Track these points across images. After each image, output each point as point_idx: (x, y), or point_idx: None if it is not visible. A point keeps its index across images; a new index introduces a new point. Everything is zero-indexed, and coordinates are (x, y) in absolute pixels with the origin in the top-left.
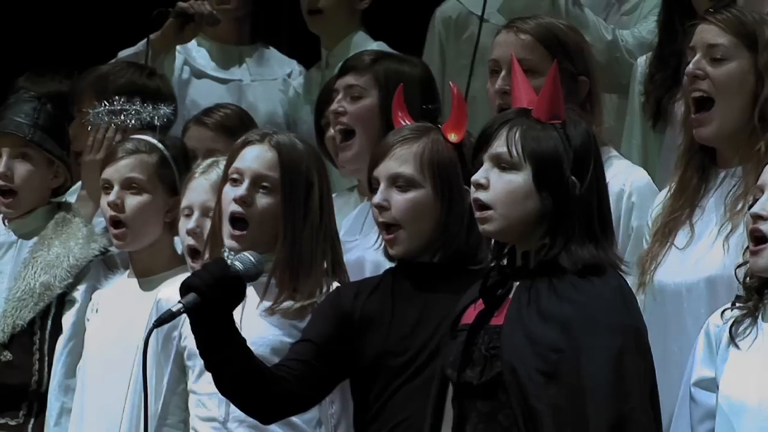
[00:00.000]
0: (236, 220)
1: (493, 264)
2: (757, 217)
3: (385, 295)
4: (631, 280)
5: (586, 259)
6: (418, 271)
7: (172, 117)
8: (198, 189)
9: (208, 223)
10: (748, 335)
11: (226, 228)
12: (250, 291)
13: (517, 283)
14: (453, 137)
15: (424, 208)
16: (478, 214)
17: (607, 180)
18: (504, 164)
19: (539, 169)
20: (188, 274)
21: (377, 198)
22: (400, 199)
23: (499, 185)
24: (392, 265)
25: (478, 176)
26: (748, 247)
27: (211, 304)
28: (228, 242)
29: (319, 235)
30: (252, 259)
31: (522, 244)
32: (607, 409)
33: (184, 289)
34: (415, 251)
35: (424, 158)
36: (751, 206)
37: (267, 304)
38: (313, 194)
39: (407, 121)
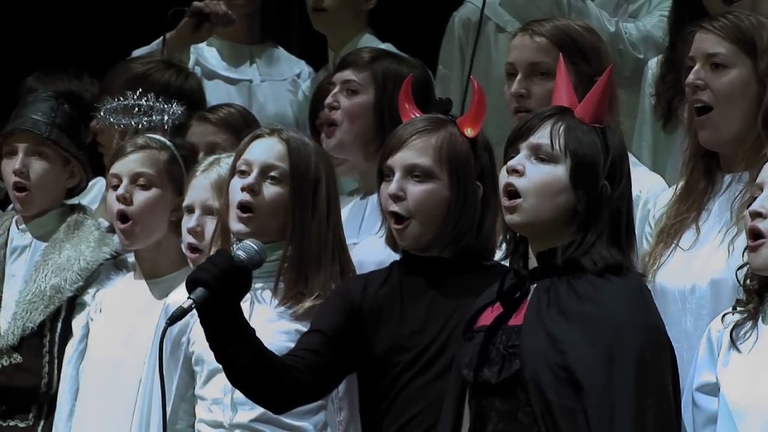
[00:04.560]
0: (244, 209)
1: (507, 265)
2: (755, 215)
3: (394, 290)
4: None
5: (609, 260)
6: (426, 266)
7: (183, 116)
8: (198, 187)
9: (208, 222)
10: (748, 338)
11: (233, 213)
12: (258, 296)
13: (534, 285)
14: (470, 132)
15: (439, 201)
16: (507, 203)
17: None
18: (543, 155)
19: (577, 166)
20: None
21: (393, 187)
22: (416, 190)
23: (535, 175)
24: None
25: (514, 162)
26: (745, 249)
27: (219, 296)
28: (236, 226)
29: (327, 233)
30: (254, 246)
31: (542, 243)
32: (633, 407)
33: (191, 283)
34: (424, 244)
35: (443, 151)
36: (749, 204)
37: (275, 305)
38: (320, 190)
39: (416, 114)
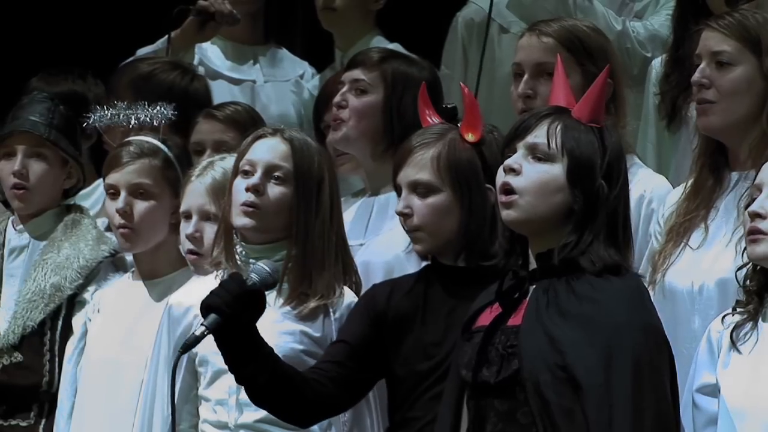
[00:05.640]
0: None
1: (506, 266)
2: (755, 216)
3: (418, 299)
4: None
5: (607, 261)
6: (449, 276)
7: (172, 117)
8: (194, 193)
9: (206, 227)
10: (749, 339)
11: (237, 210)
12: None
13: (533, 285)
14: (470, 137)
15: (445, 211)
16: (504, 198)
17: (629, 186)
18: (539, 154)
19: (574, 165)
20: (193, 275)
21: (399, 206)
22: (420, 205)
23: (532, 174)
24: (421, 265)
25: (510, 161)
26: (746, 248)
27: (232, 321)
28: (240, 221)
29: (331, 232)
30: (267, 268)
31: (541, 242)
32: (631, 407)
33: (205, 309)
34: (437, 249)
35: (441, 162)
36: (748, 205)
37: (278, 306)
38: (323, 190)
39: (435, 119)
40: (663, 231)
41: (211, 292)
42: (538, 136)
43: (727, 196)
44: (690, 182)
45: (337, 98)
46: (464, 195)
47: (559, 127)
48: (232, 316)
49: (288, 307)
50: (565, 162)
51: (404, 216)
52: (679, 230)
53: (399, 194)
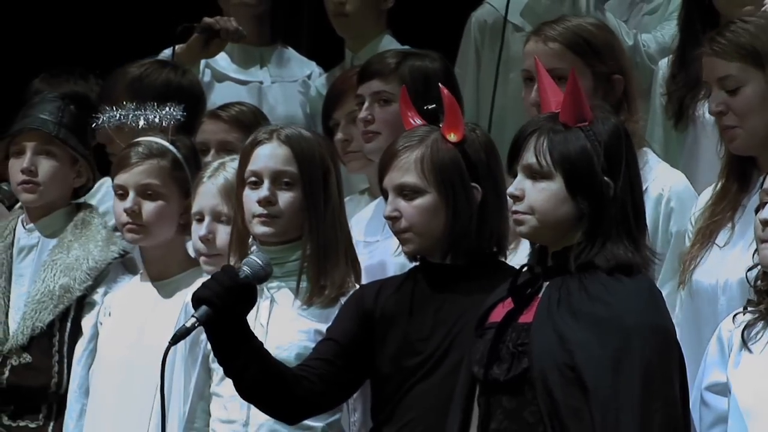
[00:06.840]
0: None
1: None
2: (766, 224)
3: (405, 296)
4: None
5: (621, 259)
6: (438, 273)
7: (180, 117)
8: (207, 194)
9: (219, 228)
10: (760, 338)
11: (253, 221)
12: (279, 294)
13: (547, 282)
14: (453, 137)
15: (432, 212)
16: (515, 217)
17: (647, 184)
18: (536, 174)
19: (570, 174)
20: (203, 274)
21: (387, 210)
22: (407, 207)
23: (533, 195)
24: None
25: (512, 189)
26: (757, 250)
27: (223, 313)
28: (259, 229)
29: (342, 217)
30: (259, 261)
31: (556, 245)
32: (639, 411)
33: (196, 301)
34: (426, 250)
35: (425, 164)
36: (757, 209)
37: (298, 305)
38: (329, 180)
39: (417, 120)
40: (694, 231)
41: (203, 285)
42: (530, 156)
43: (754, 195)
44: (718, 187)
45: (362, 114)
46: (449, 195)
47: (545, 143)
48: (223, 308)
49: (307, 304)
50: (560, 175)
51: (392, 219)
52: (706, 232)
53: (386, 198)
